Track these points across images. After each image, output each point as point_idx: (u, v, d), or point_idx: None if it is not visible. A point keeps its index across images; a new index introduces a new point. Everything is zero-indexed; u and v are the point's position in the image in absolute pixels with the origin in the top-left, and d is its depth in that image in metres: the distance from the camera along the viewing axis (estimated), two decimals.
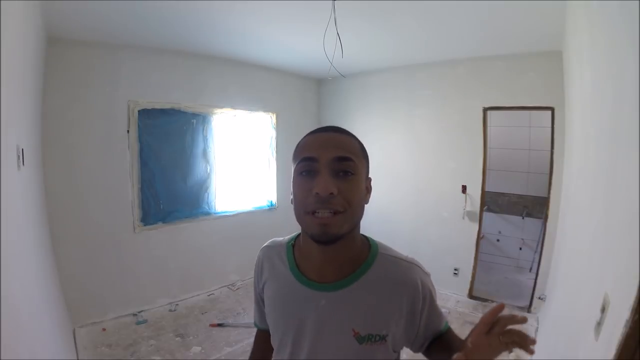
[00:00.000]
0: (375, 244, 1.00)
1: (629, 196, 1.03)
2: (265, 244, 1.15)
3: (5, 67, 1.60)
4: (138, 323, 3.80)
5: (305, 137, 0.98)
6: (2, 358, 1.13)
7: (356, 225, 0.91)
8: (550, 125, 3.78)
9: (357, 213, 0.89)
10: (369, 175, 0.96)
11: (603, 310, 1.10)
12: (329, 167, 0.85)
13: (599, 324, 1.12)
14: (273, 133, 5.39)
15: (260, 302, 1.13)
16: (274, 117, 5.35)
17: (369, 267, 0.94)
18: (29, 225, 2.22)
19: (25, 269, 1.87)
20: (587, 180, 1.91)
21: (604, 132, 1.57)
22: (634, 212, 0.95)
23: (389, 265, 0.96)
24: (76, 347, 3.25)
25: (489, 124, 4.25)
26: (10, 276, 1.46)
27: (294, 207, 0.90)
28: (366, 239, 1.01)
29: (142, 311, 3.99)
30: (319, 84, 5.97)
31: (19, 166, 1.94)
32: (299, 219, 0.89)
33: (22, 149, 2.02)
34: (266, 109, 5.24)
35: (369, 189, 0.95)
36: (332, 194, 0.82)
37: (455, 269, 4.49)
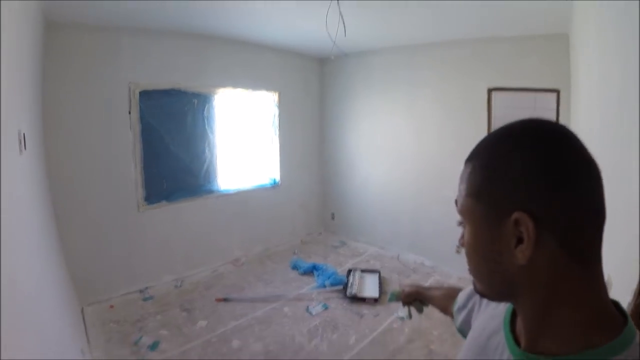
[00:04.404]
0: (632, 336, 0.53)
1: (634, 180, 1.03)
2: None
3: (3, 53, 1.60)
4: (145, 299, 3.90)
5: None
6: (9, 339, 1.16)
7: (498, 287, 0.63)
8: (555, 108, 3.75)
9: (480, 273, 0.64)
10: (516, 216, 0.53)
11: None
12: None
13: None
14: (276, 111, 5.38)
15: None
16: (276, 95, 5.33)
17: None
18: (33, 208, 2.26)
19: (30, 251, 1.91)
20: None
21: (610, 116, 1.56)
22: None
23: None
24: (85, 325, 3.35)
25: (493, 105, 4.21)
26: (15, 259, 1.49)
27: None
28: (623, 317, 0.56)
29: (148, 288, 4.09)
30: (322, 63, 5.92)
31: (20, 150, 1.96)
32: None
33: (24, 134, 2.04)
34: (268, 88, 5.22)
35: (520, 238, 0.53)
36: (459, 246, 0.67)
37: (457, 246, 4.50)
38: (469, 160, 0.63)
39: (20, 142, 1.95)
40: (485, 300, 0.86)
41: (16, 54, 2.00)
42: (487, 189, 0.58)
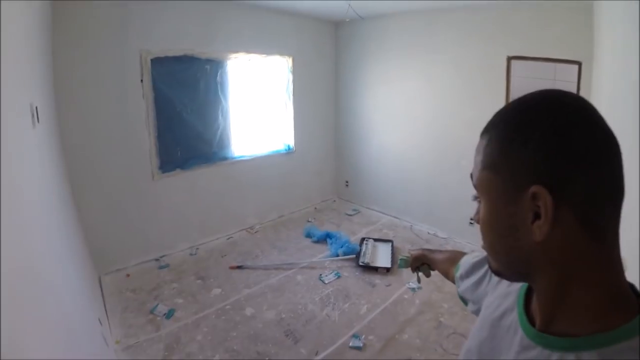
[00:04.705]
0: None
1: None
2: None
3: (12, 26, 1.57)
4: (160, 268, 3.99)
5: None
6: (27, 309, 1.19)
7: (514, 265, 0.60)
8: (576, 80, 3.60)
9: (495, 251, 0.62)
10: (534, 189, 0.51)
11: None
12: None
13: None
14: (290, 76, 5.28)
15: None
16: (290, 60, 5.22)
17: (602, 344, 0.50)
18: (49, 181, 2.28)
19: (47, 223, 1.93)
20: None
21: (633, 90, 1.50)
22: None
23: None
24: (102, 294, 3.46)
25: (512, 74, 4.06)
26: (32, 230, 1.51)
27: None
28: (639, 299, 0.55)
29: (163, 256, 4.18)
30: (336, 27, 5.74)
31: (34, 124, 1.95)
32: None
33: (36, 107, 2.03)
34: (282, 52, 5.11)
35: (537, 213, 0.52)
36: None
37: (471, 219, 4.48)
38: (486, 131, 0.60)
39: (33, 116, 1.94)
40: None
41: (25, 27, 1.97)
42: (504, 161, 0.56)
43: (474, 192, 0.64)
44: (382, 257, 4.19)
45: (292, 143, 5.49)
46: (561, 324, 0.56)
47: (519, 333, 0.63)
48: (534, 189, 0.51)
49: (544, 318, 0.58)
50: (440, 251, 1.36)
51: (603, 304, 0.53)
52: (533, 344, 0.59)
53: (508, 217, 0.56)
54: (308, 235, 4.80)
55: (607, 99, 2.30)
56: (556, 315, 0.56)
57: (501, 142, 0.56)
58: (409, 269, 1.44)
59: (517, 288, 0.71)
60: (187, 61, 4.11)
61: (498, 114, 0.59)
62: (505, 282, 0.78)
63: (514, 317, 0.67)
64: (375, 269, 3.97)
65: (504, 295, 0.75)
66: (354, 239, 4.62)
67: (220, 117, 4.56)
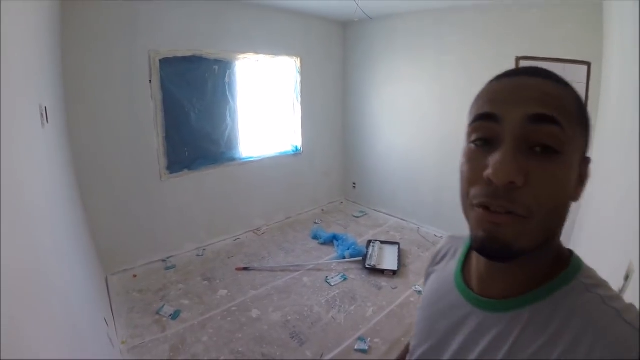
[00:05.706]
0: (579, 264, 0.58)
1: None
2: (450, 234, 0.89)
3: (21, 28, 1.58)
4: (167, 268, 3.99)
5: (489, 82, 0.61)
6: (33, 309, 1.19)
7: (550, 237, 0.56)
8: (585, 81, 3.55)
9: (554, 220, 0.55)
10: (587, 154, 0.59)
11: (627, 278, 1.09)
12: (516, 134, 0.53)
13: (621, 292, 1.13)
14: (298, 77, 5.28)
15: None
16: (298, 61, 5.22)
17: (549, 293, 0.56)
18: (57, 181, 2.29)
19: (54, 223, 1.94)
20: (621, 142, 1.82)
21: None
22: None
23: (582, 305, 0.52)
24: (109, 294, 3.46)
25: None
26: (39, 231, 1.51)
27: (460, 192, 0.62)
28: (569, 253, 0.61)
29: (170, 257, 4.18)
30: (345, 27, 5.73)
31: (43, 124, 1.97)
32: (464, 210, 0.62)
33: (45, 107, 2.04)
34: (290, 53, 5.10)
35: (583, 177, 0.58)
36: (512, 183, 0.51)
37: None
38: (561, 81, 0.57)
39: (42, 116, 1.95)
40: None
41: (34, 27, 1.98)
42: (586, 122, 0.58)
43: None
44: (388, 259, 4.17)
45: (299, 144, 5.48)
46: (519, 286, 0.59)
47: (464, 305, 0.66)
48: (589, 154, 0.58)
49: (509, 287, 0.60)
50: None
51: (553, 258, 0.59)
52: (479, 310, 0.63)
53: (573, 178, 0.56)
54: (315, 237, 4.79)
55: (616, 100, 2.28)
56: (521, 279, 0.59)
57: (581, 101, 0.58)
58: None
59: (452, 268, 0.75)
60: (195, 61, 4.11)
61: (547, 72, 0.58)
62: (435, 277, 0.81)
63: (456, 294, 0.69)
64: (381, 272, 3.94)
65: (443, 276, 0.77)
66: (361, 241, 4.60)
67: (228, 118, 4.56)
